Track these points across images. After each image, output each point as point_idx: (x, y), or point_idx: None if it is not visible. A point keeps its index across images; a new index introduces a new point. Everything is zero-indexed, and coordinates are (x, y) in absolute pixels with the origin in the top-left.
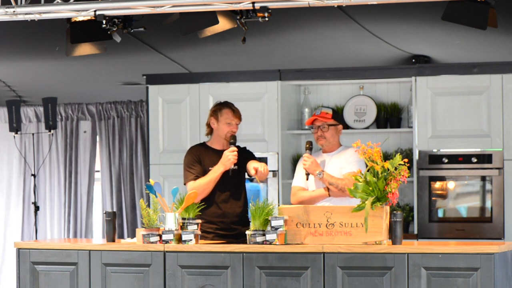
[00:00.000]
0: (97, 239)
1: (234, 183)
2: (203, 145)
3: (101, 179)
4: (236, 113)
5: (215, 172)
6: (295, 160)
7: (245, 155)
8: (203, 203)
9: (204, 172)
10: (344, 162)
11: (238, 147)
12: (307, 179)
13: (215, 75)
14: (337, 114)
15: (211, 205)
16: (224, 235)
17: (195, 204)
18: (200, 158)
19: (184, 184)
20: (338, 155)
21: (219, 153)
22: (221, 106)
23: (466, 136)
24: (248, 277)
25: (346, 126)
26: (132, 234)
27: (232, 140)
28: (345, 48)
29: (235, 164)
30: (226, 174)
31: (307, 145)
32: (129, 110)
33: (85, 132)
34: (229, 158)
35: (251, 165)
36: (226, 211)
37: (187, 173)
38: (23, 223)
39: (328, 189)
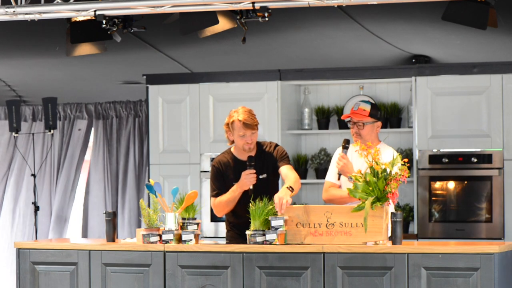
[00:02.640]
0: (75, 236)
1: (263, 190)
2: (228, 153)
3: (89, 177)
4: (246, 124)
5: (234, 192)
6: (295, 160)
7: (272, 161)
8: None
9: (226, 187)
10: (387, 159)
11: (262, 151)
12: (338, 179)
13: (215, 75)
14: (376, 110)
15: (241, 210)
16: None
17: (195, 204)
18: (223, 172)
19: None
20: (381, 153)
21: (243, 165)
22: (233, 118)
23: (466, 136)
24: (248, 277)
25: (345, 126)
26: (121, 235)
27: (250, 161)
28: (345, 48)
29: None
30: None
31: (343, 143)
32: (127, 110)
33: (79, 130)
34: (245, 181)
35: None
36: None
37: (211, 187)
38: (23, 223)
39: None
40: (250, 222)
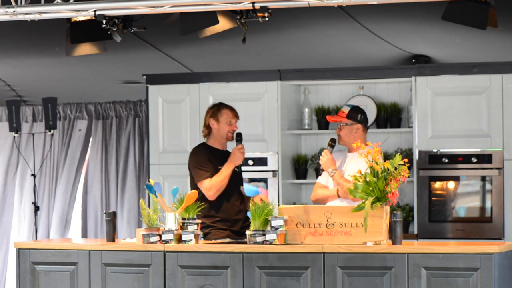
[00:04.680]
0: (76, 237)
1: (239, 182)
2: (205, 145)
3: (92, 178)
4: (235, 112)
5: (227, 169)
6: (295, 160)
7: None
8: (202, 203)
9: (215, 170)
10: (362, 165)
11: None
12: (320, 175)
13: (215, 75)
14: (356, 113)
15: (225, 205)
16: (238, 232)
17: (195, 204)
18: (209, 156)
19: (197, 182)
20: (359, 156)
21: (221, 153)
22: (220, 107)
23: (466, 136)
24: (248, 277)
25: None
26: (127, 234)
27: (238, 137)
28: (345, 48)
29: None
30: (233, 172)
31: (330, 142)
32: (127, 110)
33: (80, 130)
34: (239, 155)
35: None
36: (241, 208)
37: (201, 171)
38: (28, 224)
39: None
40: (241, 216)
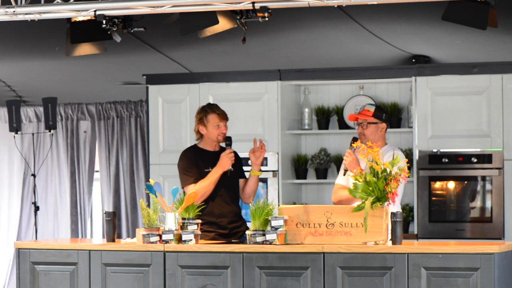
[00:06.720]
0: (97, 239)
1: (231, 184)
2: (195, 147)
3: (100, 179)
4: (222, 115)
5: (214, 174)
6: (295, 160)
7: (238, 160)
8: (203, 204)
9: (200, 174)
10: None
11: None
12: (344, 175)
13: (215, 75)
14: (380, 112)
15: (210, 206)
16: (225, 234)
17: (195, 204)
18: (196, 161)
19: (183, 187)
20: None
21: (212, 154)
22: (206, 112)
23: (466, 136)
24: (248, 277)
25: (345, 126)
26: (132, 234)
27: (227, 141)
28: (345, 48)
29: (232, 166)
30: (223, 175)
31: (352, 141)
32: (128, 110)
33: (85, 132)
34: (227, 160)
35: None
36: (225, 211)
37: (185, 176)
38: (21, 222)
39: None
40: (227, 219)
